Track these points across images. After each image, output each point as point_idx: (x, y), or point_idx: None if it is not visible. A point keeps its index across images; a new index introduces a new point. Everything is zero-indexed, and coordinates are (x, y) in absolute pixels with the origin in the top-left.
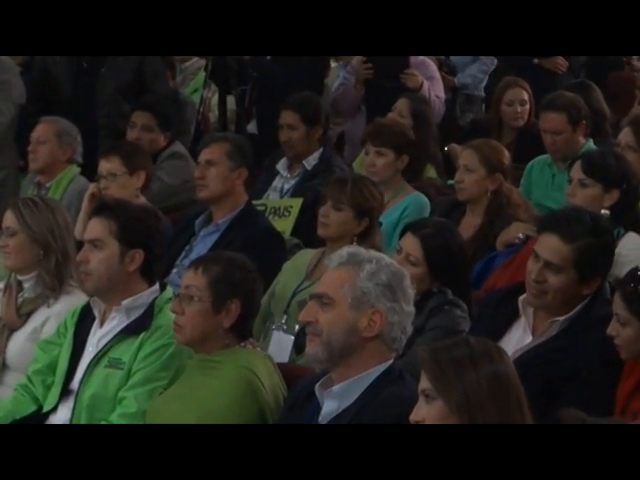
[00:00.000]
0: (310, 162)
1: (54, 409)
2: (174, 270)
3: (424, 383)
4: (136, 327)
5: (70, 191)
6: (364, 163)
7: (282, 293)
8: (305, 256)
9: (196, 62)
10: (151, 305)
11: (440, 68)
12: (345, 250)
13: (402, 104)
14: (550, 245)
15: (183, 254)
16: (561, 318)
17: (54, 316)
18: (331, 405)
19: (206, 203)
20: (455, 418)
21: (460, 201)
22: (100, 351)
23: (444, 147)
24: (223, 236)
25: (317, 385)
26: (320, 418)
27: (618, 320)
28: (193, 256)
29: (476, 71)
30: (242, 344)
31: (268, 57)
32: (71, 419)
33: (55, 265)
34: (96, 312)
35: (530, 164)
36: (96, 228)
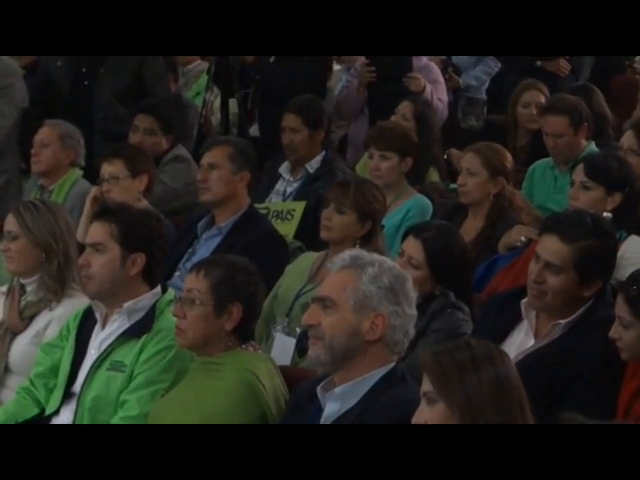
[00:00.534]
0: (313, 165)
1: (56, 412)
2: (177, 273)
3: (426, 386)
4: (138, 330)
5: (73, 194)
6: (367, 166)
7: (285, 296)
8: (308, 259)
9: (198, 65)
10: (152, 308)
11: (446, 68)
12: (348, 253)
13: (405, 107)
14: (550, 246)
15: (185, 257)
16: (563, 321)
17: (56, 319)
18: (333, 407)
19: (208, 206)
20: (457, 421)
21: (462, 204)
22: (102, 354)
23: (447, 150)
24: (226, 239)
25: (319, 387)
26: (322, 420)
27: (621, 323)
28: (196, 259)
29: (480, 73)
30: (244, 346)
31: (271, 60)
32: (73, 422)
33: (57, 268)
34: (98, 315)
35: (532, 167)
36: (98, 232)
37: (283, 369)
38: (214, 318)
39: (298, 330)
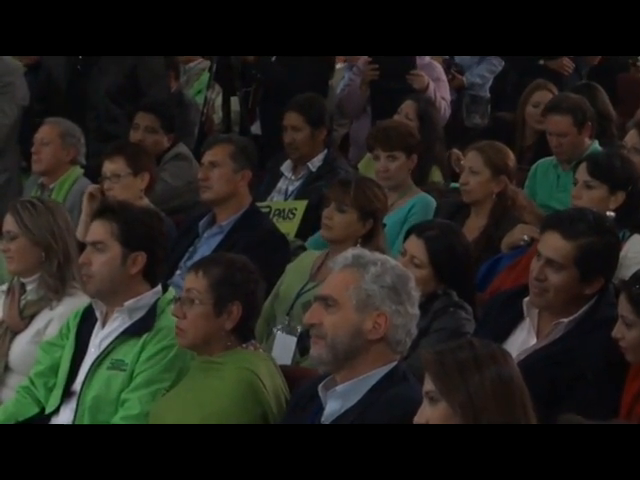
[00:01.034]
0: (314, 164)
1: (56, 411)
2: (178, 272)
3: (428, 385)
4: (138, 328)
5: (73, 192)
6: (371, 165)
7: (286, 294)
8: (309, 257)
9: (200, 63)
10: (153, 306)
11: (449, 68)
12: (350, 252)
13: (408, 106)
14: (552, 243)
15: (187, 256)
16: (565, 320)
17: (57, 318)
18: (334, 405)
19: (210, 205)
20: (459, 420)
21: (465, 203)
22: (102, 353)
23: (450, 149)
24: (227, 238)
25: (320, 385)
26: (323, 418)
27: (624, 322)
28: (197, 258)
29: (484, 71)
30: (244, 345)
31: (272, 58)
32: (73, 421)
33: (57, 267)
34: (98, 313)
35: (535, 165)
36: (98, 230)
37: (284, 368)
38: (214, 317)
39: (299, 329)
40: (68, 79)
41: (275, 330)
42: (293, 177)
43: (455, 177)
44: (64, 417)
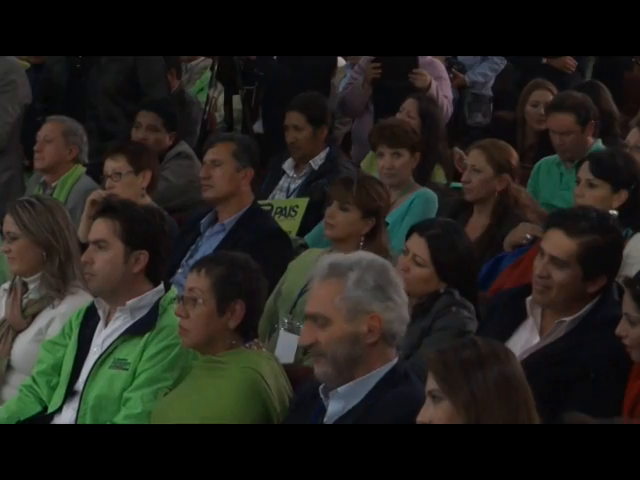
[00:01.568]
0: (316, 162)
1: (59, 410)
2: (179, 270)
3: (431, 384)
4: (141, 327)
5: (75, 191)
6: (373, 163)
7: (288, 293)
8: (311, 255)
9: (202, 61)
10: (155, 305)
11: (451, 66)
12: (325, 262)
13: (410, 105)
14: (555, 240)
15: (188, 254)
16: (568, 319)
17: (59, 317)
18: (336, 406)
19: (211, 203)
20: (462, 419)
21: (467, 202)
22: (105, 352)
23: (453, 147)
24: (229, 236)
25: (321, 387)
26: (325, 419)
27: (628, 320)
28: (198, 256)
29: (486, 69)
30: (247, 345)
31: (274, 57)
32: (76, 420)
33: (58, 266)
34: (100, 312)
35: (538, 164)
36: (101, 229)
37: (286, 367)
38: (217, 316)
39: (302, 327)
40: (68, 78)
41: (278, 329)
42: (295, 175)
43: (458, 177)
44: (66, 416)
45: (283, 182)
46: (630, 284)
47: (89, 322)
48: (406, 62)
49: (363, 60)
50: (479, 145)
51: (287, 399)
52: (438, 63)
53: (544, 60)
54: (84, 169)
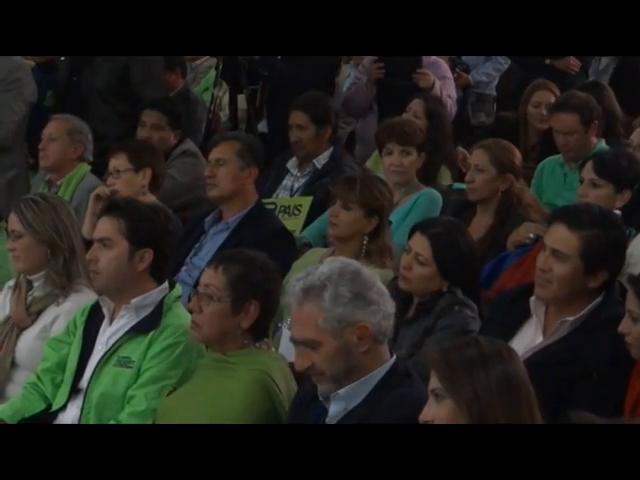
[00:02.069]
0: (320, 161)
1: (63, 407)
2: (183, 268)
3: (434, 383)
4: (145, 325)
5: (80, 189)
6: (379, 162)
7: None
8: (315, 254)
9: (207, 60)
10: (160, 303)
11: (455, 66)
12: (297, 287)
13: (416, 105)
14: (557, 233)
15: (193, 252)
16: (571, 318)
17: (63, 314)
18: (337, 407)
19: (216, 202)
20: (464, 418)
21: (471, 201)
22: (109, 349)
23: (456, 146)
24: (233, 235)
25: (319, 390)
26: (327, 420)
27: (631, 317)
28: (203, 254)
29: (490, 69)
30: (257, 345)
31: (278, 56)
32: (80, 418)
33: (63, 263)
34: (105, 310)
35: (541, 164)
36: (106, 227)
37: (290, 365)
38: (231, 315)
39: None
40: (66, 77)
41: (282, 327)
42: (299, 174)
43: (463, 177)
44: (71, 414)
45: (287, 181)
46: (634, 281)
47: (94, 320)
48: (410, 62)
49: (367, 60)
50: (482, 145)
51: None
52: (442, 63)
53: (547, 61)
54: (89, 167)
